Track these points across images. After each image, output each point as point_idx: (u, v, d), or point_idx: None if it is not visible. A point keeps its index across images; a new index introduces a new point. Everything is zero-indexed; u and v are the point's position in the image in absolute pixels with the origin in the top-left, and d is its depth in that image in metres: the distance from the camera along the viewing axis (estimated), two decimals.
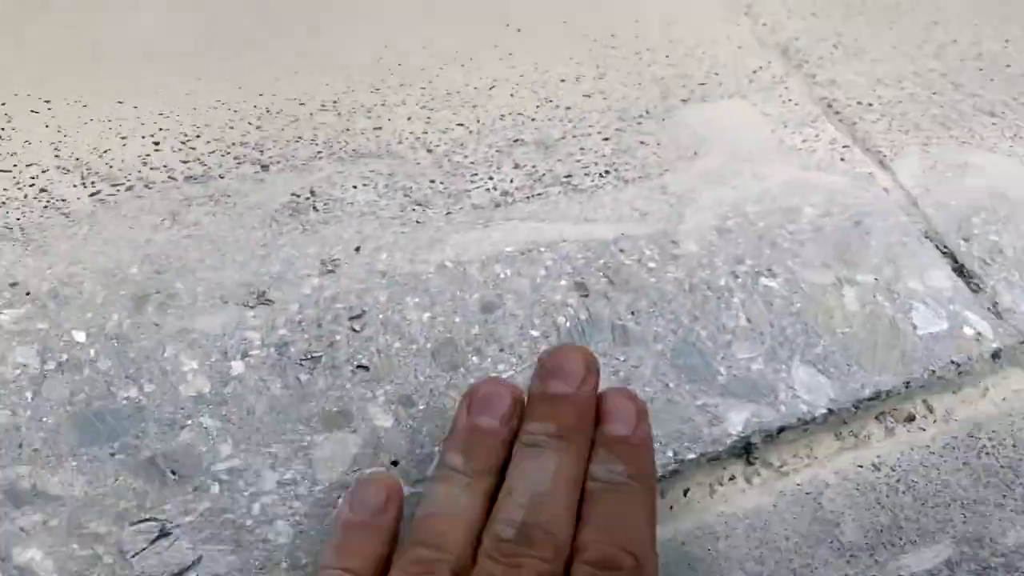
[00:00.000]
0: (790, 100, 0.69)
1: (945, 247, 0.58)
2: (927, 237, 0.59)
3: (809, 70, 0.73)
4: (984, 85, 0.74)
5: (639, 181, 0.61)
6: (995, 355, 0.53)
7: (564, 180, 0.60)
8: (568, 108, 0.66)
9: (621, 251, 0.56)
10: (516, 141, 0.62)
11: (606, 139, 0.64)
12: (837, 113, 0.69)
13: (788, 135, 0.65)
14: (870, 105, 0.70)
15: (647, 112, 0.67)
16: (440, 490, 0.32)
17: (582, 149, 0.63)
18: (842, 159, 0.64)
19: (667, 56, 0.73)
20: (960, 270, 0.57)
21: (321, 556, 0.32)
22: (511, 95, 0.67)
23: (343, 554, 0.30)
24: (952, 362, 0.51)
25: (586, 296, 0.53)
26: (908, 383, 0.50)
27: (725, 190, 0.60)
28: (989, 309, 0.55)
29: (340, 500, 0.36)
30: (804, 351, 0.51)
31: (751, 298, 0.53)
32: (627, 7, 0.77)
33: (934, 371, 0.51)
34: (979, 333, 0.53)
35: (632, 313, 0.52)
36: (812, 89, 0.71)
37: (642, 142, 0.64)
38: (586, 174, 0.61)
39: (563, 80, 0.69)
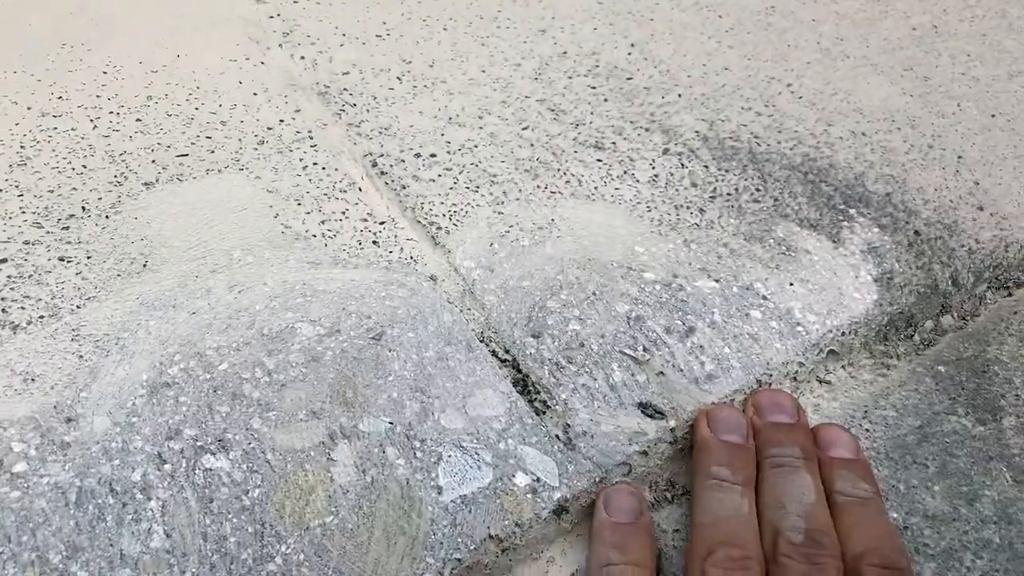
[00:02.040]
0: (315, 164, 0.61)
1: (506, 352, 0.51)
2: (482, 340, 0.51)
3: (354, 116, 0.65)
4: (595, 108, 0.70)
5: (38, 324, 0.48)
6: (559, 510, 0.45)
7: None
8: None
9: None
10: None
11: (2, 261, 0.51)
12: (383, 174, 0.61)
13: (299, 217, 0.57)
14: (432, 156, 0.63)
15: (84, 209, 0.55)
16: (723, 498, 0.44)
17: None
18: (375, 242, 0.56)
19: (139, 119, 0.62)
20: (524, 382, 0.50)
21: (595, 558, 0.44)
22: None
23: (622, 550, 0.43)
24: (491, 537, 0.42)
25: None
26: None
27: (179, 320, 0.49)
28: (557, 436, 0.47)
29: (595, 508, 0.46)
30: (249, 574, 0.39)
31: (179, 496, 0.41)
32: (98, 46, 0.66)
33: (460, 560, 0.42)
34: (537, 479, 0.45)
35: None
36: (355, 143, 0.63)
37: (63, 258, 0.52)
38: None
39: None
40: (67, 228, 0.55)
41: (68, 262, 0.54)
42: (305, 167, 0.61)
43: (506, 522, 0.45)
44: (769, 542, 0.43)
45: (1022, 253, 0.65)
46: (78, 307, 0.51)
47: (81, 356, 0.49)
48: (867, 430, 0.55)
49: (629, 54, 0.78)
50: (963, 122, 0.76)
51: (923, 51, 0.85)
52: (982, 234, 0.66)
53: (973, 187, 0.70)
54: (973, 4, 0.94)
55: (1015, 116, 0.77)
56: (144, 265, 0.54)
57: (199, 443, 0.46)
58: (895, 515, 0.50)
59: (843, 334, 0.58)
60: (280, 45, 0.72)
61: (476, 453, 0.48)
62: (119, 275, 0.53)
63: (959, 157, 0.72)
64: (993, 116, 0.77)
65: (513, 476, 0.47)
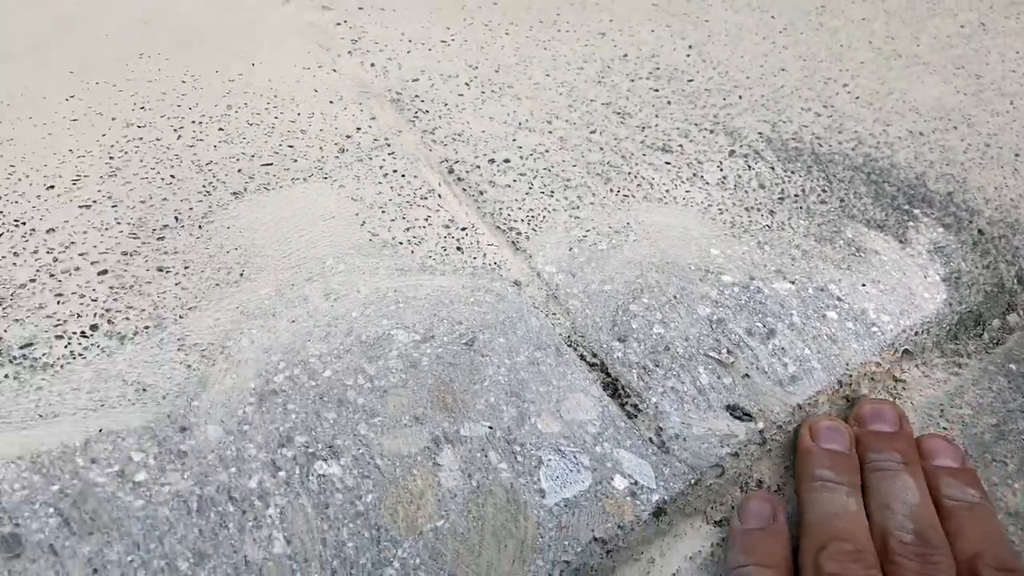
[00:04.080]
0: (395, 171, 0.61)
1: (594, 356, 0.51)
2: (570, 344, 0.51)
3: (428, 123, 0.65)
4: (660, 111, 0.70)
5: (144, 335, 0.48)
6: (658, 512, 0.45)
7: (20, 353, 0.46)
8: (50, 231, 0.53)
9: (93, 462, 0.42)
10: None
11: (103, 272, 0.51)
12: (460, 180, 0.61)
13: (384, 224, 0.57)
14: (506, 161, 0.63)
15: (177, 219, 0.55)
16: (831, 497, 0.44)
17: (60, 296, 0.49)
18: (459, 248, 0.56)
19: (221, 129, 0.62)
20: (613, 386, 0.50)
21: (730, 560, 0.44)
22: None
23: (754, 553, 0.43)
24: (595, 539, 0.43)
25: (16, 557, 0.39)
26: None
27: (280, 328, 0.50)
28: (651, 440, 0.47)
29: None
30: None
31: (295, 502, 0.42)
32: (175, 56, 0.66)
33: (568, 562, 0.42)
34: (635, 483, 0.45)
35: (95, 571, 0.39)
36: (430, 150, 0.63)
37: (161, 268, 0.52)
38: (57, 337, 0.48)
39: (50, 186, 0.56)
40: (162, 238, 0.56)
41: (167, 272, 0.54)
42: (386, 174, 0.61)
43: (609, 524, 0.45)
44: (879, 543, 0.42)
45: None
46: (181, 317, 0.52)
47: (189, 366, 0.49)
48: (944, 428, 0.55)
49: (687, 56, 0.78)
50: (1017, 120, 0.75)
51: (972, 49, 0.84)
52: None
53: None
54: (1018, 0, 0.92)
55: None
56: (241, 274, 0.54)
57: (310, 450, 0.46)
58: None
59: (916, 334, 0.58)
60: (349, 52, 0.71)
61: (574, 457, 0.48)
62: (217, 284, 0.53)
63: (1016, 155, 0.72)
64: None
65: (611, 479, 0.47)
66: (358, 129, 0.64)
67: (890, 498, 0.44)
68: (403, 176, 0.62)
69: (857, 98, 0.76)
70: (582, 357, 0.53)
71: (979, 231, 0.65)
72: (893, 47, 0.84)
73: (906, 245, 0.63)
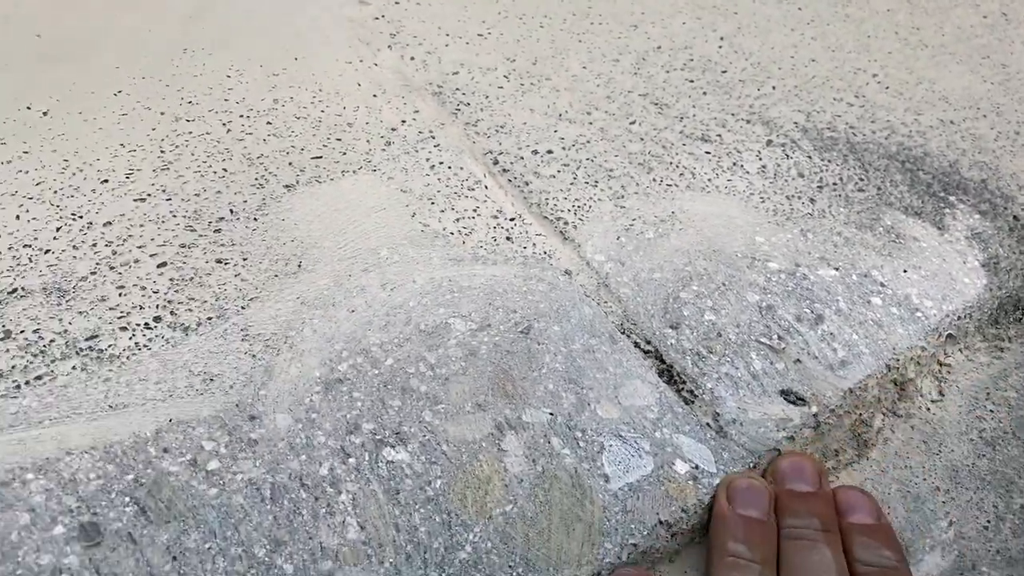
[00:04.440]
0: (441, 163, 0.61)
1: (648, 343, 0.51)
2: (623, 332, 0.51)
3: (470, 115, 0.65)
4: (696, 101, 0.70)
5: (207, 325, 0.49)
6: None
7: (86, 344, 0.46)
8: (107, 224, 0.53)
9: (165, 452, 0.43)
10: None
11: (162, 265, 0.51)
12: (505, 171, 0.61)
13: (435, 215, 0.57)
14: (549, 152, 0.63)
15: (232, 212, 0.55)
16: None
17: (121, 289, 0.49)
18: (508, 238, 0.56)
19: (269, 123, 0.62)
20: (668, 372, 0.50)
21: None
22: None
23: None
24: (660, 523, 0.43)
25: (96, 545, 0.39)
26: (598, 574, 0.41)
27: (340, 318, 0.50)
28: (708, 425, 0.48)
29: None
30: (443, 563, 0.40)
31: (366, 488, 0.42)
32: (218, 51, 0.66)
33: (636, 545, 0.42)
34: (695, 467, 0.46)
35: (174, 559, 0.39)
36: (474, 142, 0.63)
37: (220, 260, 0.52)
38: (121, 329, 0.48)
39: (104, 180, 0.56)
40: (219, 231, 0.56)
41: (225, 264, 0.54)
42: (432, 166, 0.61)
43: (673, 508, 0.46)
44: None
45: None
46: (243, 308, 0.52)
47: (254, 355, 0.50)
48: (991, 411, 0.55)
49: (720, 47, 0.78)
50: None
51: (996, 38, 0.84)
52: None
53: None
54: None
55: None
56: (299, 265, 0.54)
57: (378, 436, 0.46)
58: None
59: (959, 318, 0.58)
60: (389, 47, 0.71)
61: (635, 442, 0.48)
62: (276, 275, 0.53)
63: None
64: None
65: (673, 464, 0.47)
66: (403, 122, 0.64)
67: (806, 572, 0.42)
68: (449, 168, 0.62)
69: (887, 88, 0.76)
70: (636, 344, 0.53)
71: (1014, 217, 0.65)
72: (919, 37, 0.84)
73: (944, 231, 0.63)
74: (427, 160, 0.61)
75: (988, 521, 0.48)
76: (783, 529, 0.44)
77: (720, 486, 0.46)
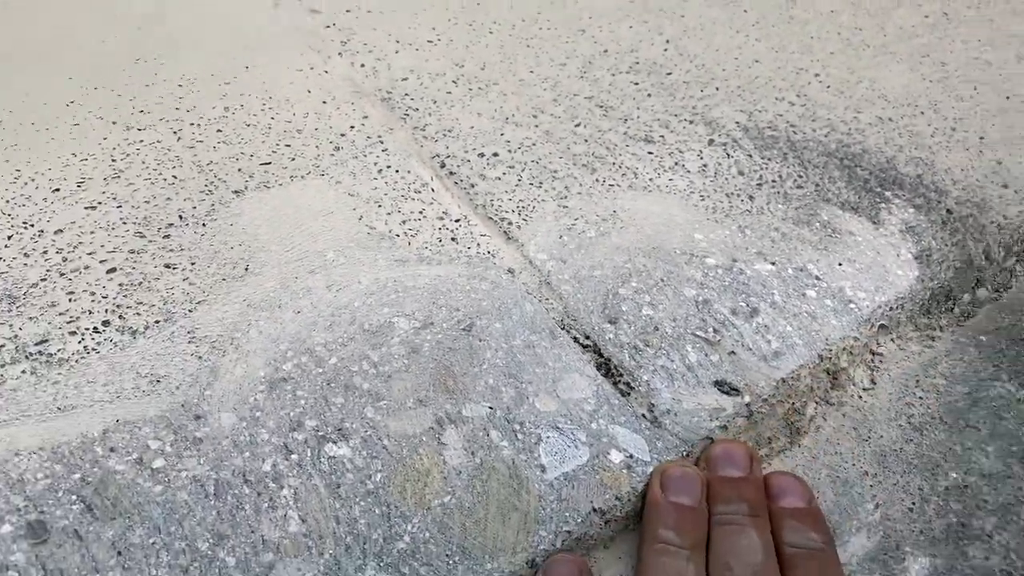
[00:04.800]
0: (388, 167, 0.62)
1: (587, 337, 0.53)
2: (563, 328, 0.53)
3: (418, 120, 0.66)
4: (640, 103, 0.72)
5: (155, 328, 0.50)
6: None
7: (35, 349, 0.48)
8: (58, 232, 0.54)
9: (112, 451, 0.44)
10: None
11: (112, 270, 0.52)
12: (452, 174, 0.63)
13: (381, 218, 0.58)
14: (495, 155, 0.64)
15: (181, 218, 0.56)
16: (670, 563, 0.42)
17: (71, 295, 0.51)
18: (453, 239, 0.57)
19: (219, 130, 0.63)
20: (606, 366, 0.51)
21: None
22: None
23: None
24: (595, 510, 0.44)
25: (43, 543, 0.40)
26: (532, 561, 0.42)
27: (286, 319, 0.51)
28: (643, 416, 0.49)
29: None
30: (382, 552, 0.41)
31: (308, 483, 0.43)
32: (170, 61, 0.67)
33: (570, 532, 0.44)
34: (630, 456, 0.47)
35: (119, 554, 0.40)
36: (421, 146, 0.65)
37: (168, 265, 0.53)
38: (71, 333, 0.49)
39: (56, 189, 0.57)
40: (168, 236, 0.57)
41: (174, 269, 0.55)
42: (380, 170, 0.63)
43: (607, 496, 0.47)
44: None
45: None
46: (190, 311, 0.53)
47: (200, 357, 0.51)
48: (920, 398, 0.57)
49: (665, 50, 0.80)
50: (981, 104, 0.78)
51: (937, 38, 0.86)
52: (1009, 210, 0.68)
53: (996, 166, 0.72)
54: None
55: None
56: (246, 269, 0.55)
57: (320, 433, 0.48)
58: (955, 475, 0.52)
59: (891, 309, 0.60)
60: (340, 54, 0.73)
61: (572, 433, 0.49)
62: (223, 279, 0.55)
63: (981, 138, 0.74)
64: (1008, 98, 0.79)
65: (608, 453, 0.49)
66: (352, 127, 0.65)
67: (733, 557, 0.42)
68: (397, 171, 0.63)
69: (828, 87, 0.78)
70: (575, 339, 0.54)
71: (947, 211, 0.67)
72: (861, 38, 0.86)
73: (879, 226, 0.65)
74: (375, 164, 0.63)
75: (913, 503, 0.50)
76: (713, 515, 0.45)
77: (653, 474, 0.47)
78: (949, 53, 0.84)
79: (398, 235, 0.58)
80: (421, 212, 0.60)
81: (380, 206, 0.60)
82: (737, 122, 0.72)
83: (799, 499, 0.46)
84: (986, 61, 0.83)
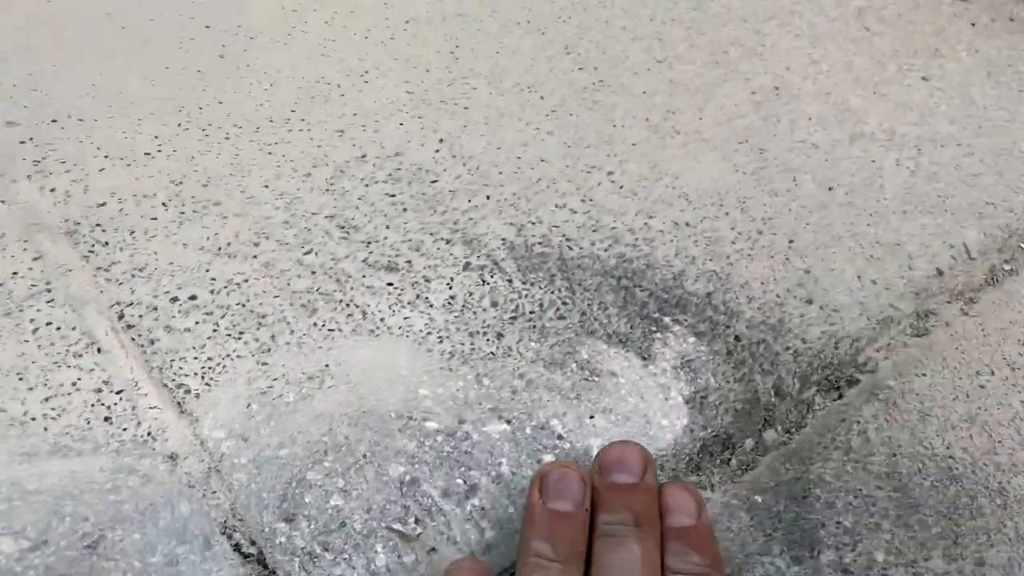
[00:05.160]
0: (48, 324, 0.55)
1: (252, 543, 0.46)
2: (224, 532, 0.46)
3: (105, 257, 0.59)
4: (392, 220, 0.66)
5: None
6: None
7: None
8: None
9: None
10: None
11: None
12: (130, 327, 0.55)
13: (18, 397, 0.53)
14: (191, 299, 0.58)
15: None
16: None
17: None
18: (107, 418, 0.50)
19: None
20: None
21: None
22: None
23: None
24: None
25: None
26: None
27: None
28: None
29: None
30: None
31: None
32: None
33: None
34: None
35: None
36: (101, 291, 0.58)
37: None
38: None
39: None
40: None
41: None
42: (36, 330, 0.55)
43: None
44: None
45: (854, 348, 0.62)
46: None
47: None
48: None
49: (437, 151, 0.74)
50: (798, 199, 0.74)
51: (761, 118, 0.82)
52: (809, 332, 0.63)
53: (803, 276, 0.67)
54: (818, 59, 0.92)
55: (854, 187, 0.74)
56: None
57: None
58: None
59: None
60: (28, 176, 0.66)
61: None
62: None
63: (790, 241, 0.69)
64: (831, 189, 0.75)
65: None
66: (14, 274, 0.58)
67: (610, 572, 0.42)
68: (58, 329, 0.56)
69: (621, 187, 0.73)
70: (237, 547, 0.47)
71: (736, 337, 0.62)
72: (672, 123, 0.81)
73: (649, 362, 0.59)
74: (31, 322, 0.55)
75: None
76: (598, 526, 0.45)
77: (534, 477, 0.47)
78: (772, 136, 0.80)
79: (35, 418, 0.51)
80: (74, 384, 0.52)
81: (22, 379, 0.52)
82: (503, 239, 0.66)
83: (686, 515, 0.46)
84: (812, 144, 0.79)
